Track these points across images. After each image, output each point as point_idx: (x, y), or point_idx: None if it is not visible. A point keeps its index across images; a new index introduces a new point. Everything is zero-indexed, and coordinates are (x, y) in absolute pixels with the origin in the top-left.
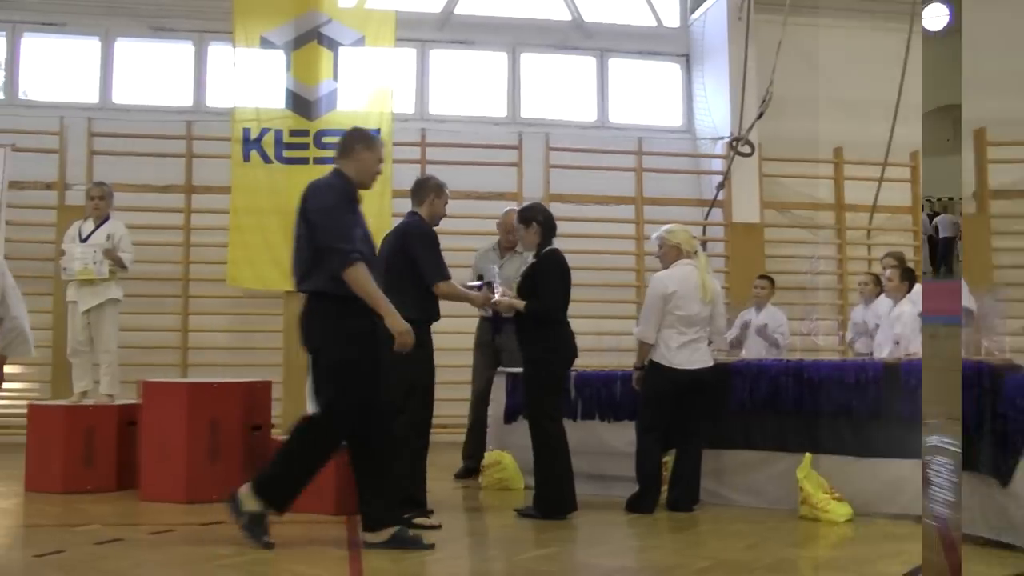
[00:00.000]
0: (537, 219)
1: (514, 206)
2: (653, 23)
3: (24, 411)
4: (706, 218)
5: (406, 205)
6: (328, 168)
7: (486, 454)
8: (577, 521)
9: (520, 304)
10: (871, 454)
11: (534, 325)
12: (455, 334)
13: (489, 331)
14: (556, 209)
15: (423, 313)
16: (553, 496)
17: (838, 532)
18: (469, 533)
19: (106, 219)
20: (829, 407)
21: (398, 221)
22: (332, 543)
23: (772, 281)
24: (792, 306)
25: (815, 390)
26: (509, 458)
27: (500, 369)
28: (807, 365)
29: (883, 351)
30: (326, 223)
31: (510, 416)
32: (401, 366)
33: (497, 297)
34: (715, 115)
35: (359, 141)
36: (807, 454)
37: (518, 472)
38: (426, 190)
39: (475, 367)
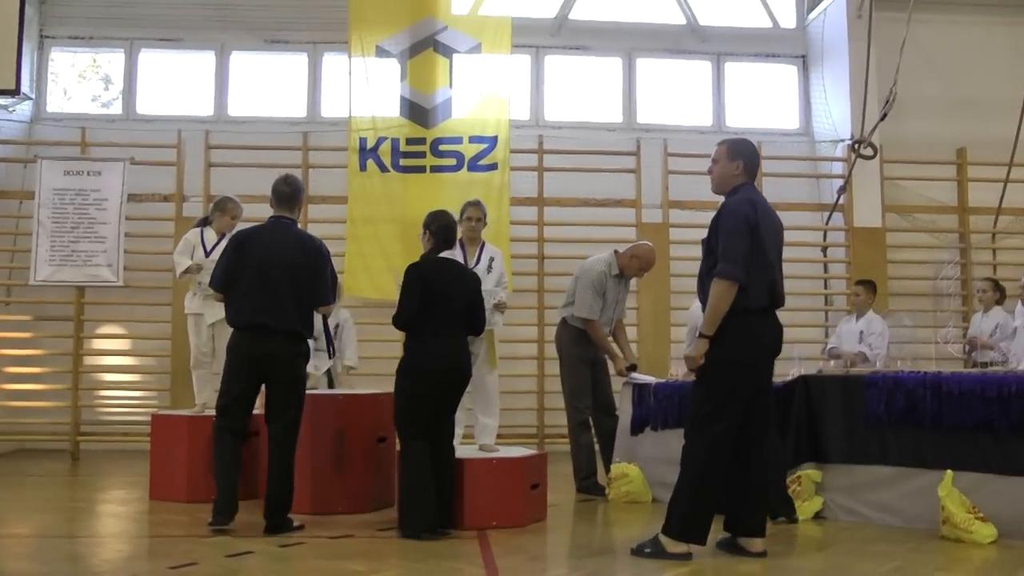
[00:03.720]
0: (430, 227)
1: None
2: (769, 24)
3: (144, 419)
4: (827, 223)
5: (523, 212)
6: (444, 177)
7: (613, 466)
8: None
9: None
10: (1016, 472)
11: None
12: None
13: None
14: (675, 216)
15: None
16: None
17: (983, 555)
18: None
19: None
20: (970, 422)
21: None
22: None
23: (872, 286)
24: (918, 313)
25: (955, 404)
26: (636, 470)
27: (626, 380)
28: (945, 378)
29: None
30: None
31: (637, 427)
32: None
33: None
34: (834, 117)
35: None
36: (948, 471)
37: (646, 485)
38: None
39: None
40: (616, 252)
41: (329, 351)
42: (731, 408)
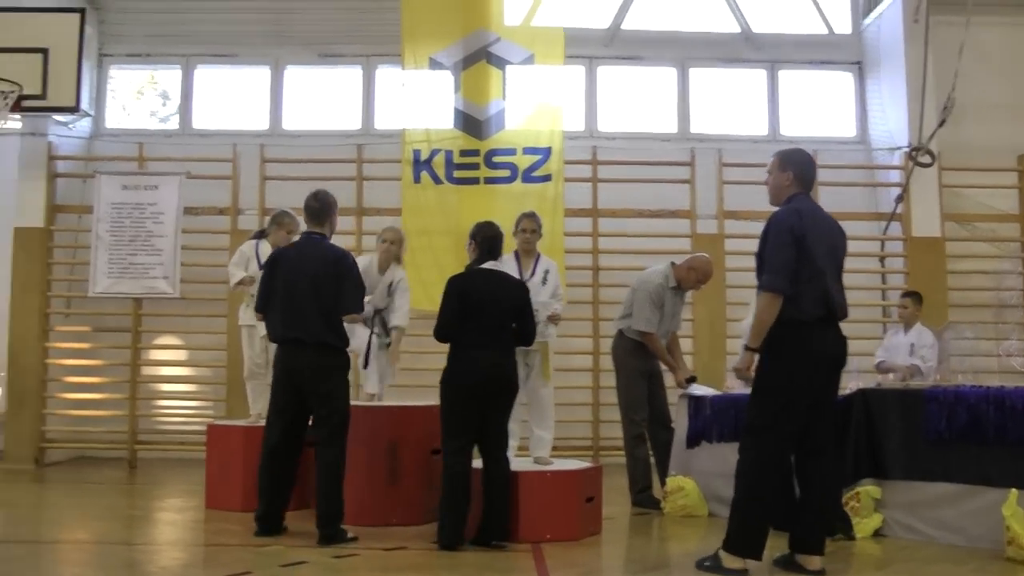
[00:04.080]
0: (475, 238)
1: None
2: (824, 31)
3: (200, 428)
4: (884, 232)
5: (577, 224)
6: (498, 188)
7: (668, 479)
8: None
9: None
10: None
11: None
12: None
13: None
14: (731, 226)
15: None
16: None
17: None
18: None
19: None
20: None
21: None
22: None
23: (919, 298)
24: (978, 325)
25: (1019, 419)
26: (692, 484)
27: (683, 392)
28: (1009, 392)
29: None
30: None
31: (693, 440)
32: None
33: None
34: (891, 124)
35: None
36: (1013, 490)
37: (702, 499)
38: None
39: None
40: (673, 264)
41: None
42: (784, 421)
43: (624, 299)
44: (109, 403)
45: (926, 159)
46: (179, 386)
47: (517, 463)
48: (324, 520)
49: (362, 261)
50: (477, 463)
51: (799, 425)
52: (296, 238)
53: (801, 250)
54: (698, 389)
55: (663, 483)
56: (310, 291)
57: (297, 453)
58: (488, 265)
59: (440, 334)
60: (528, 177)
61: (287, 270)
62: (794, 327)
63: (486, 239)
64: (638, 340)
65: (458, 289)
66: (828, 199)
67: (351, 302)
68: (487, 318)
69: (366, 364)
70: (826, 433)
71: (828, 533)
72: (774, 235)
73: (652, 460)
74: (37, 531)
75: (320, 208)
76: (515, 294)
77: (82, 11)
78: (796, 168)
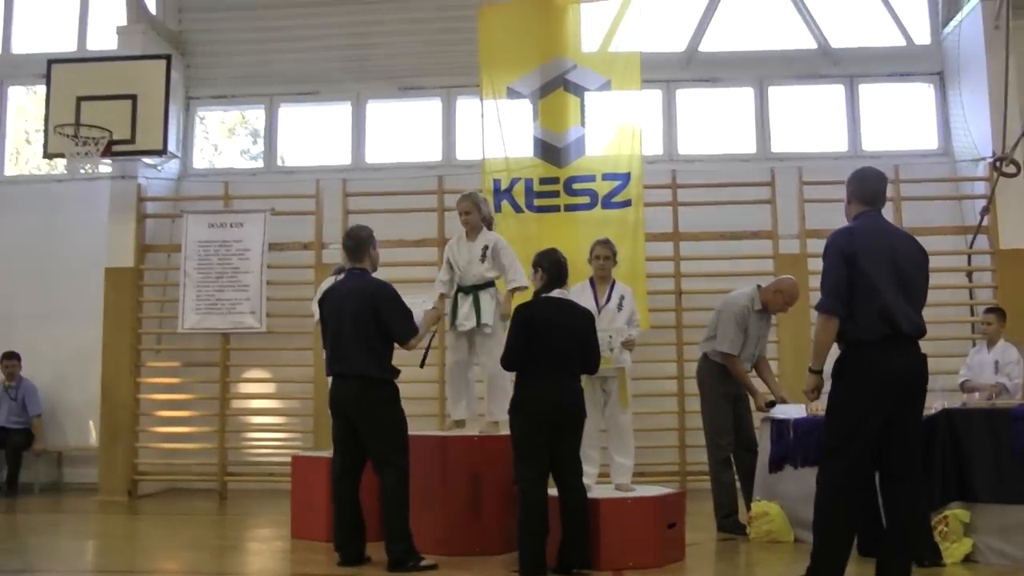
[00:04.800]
0: (541, 265)
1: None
2: (903, 42)
3: (288, 459)
4: (970, 246)
5: (659, 248)
6: (579, 215)
7: (753, 504)
8: None
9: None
10: None
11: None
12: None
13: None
14: (813, 245)
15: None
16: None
17: None
18: None
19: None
20: None
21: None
22: None
23: (1002, 314)
24: None
25: None
26: (777, 509)
27: (765, 416)
28: None
29: None
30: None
31: (776, 464)
32: None
33: None
34: (975, 134)
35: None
36: None
37: (787, 524)
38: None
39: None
40: (759, 287)
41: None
42: (853, 444)
43: (709, 322)
44: (199, 436)
45: (1011, 169)
46: (267, 418)
47: (598, 490)
48: (389, 542)
49: (449, 243)
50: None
51: (870, 448)
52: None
53: (853, 269)
54: (781, 412)
55: (748, 508)
56: (351, 326)
57: (357, 482)
58: (555, 293)
59: (507, 363)
60: (608, 203)
61: (331, 307)
62: (856, 347)
63: (553, 265)
64: (723, 363)
65: (525, 318)
66: (912, 214)
67: (402, 329)
68: (553, 346)
69: (423, 364)
70: (907, 457)
71: (916, 560)
72: (826, 257)
73: (739, 485)
74: (131, 562)
75: (355, 245)
76: (581, 322)
77: (168, 57)
78: (853, 187)
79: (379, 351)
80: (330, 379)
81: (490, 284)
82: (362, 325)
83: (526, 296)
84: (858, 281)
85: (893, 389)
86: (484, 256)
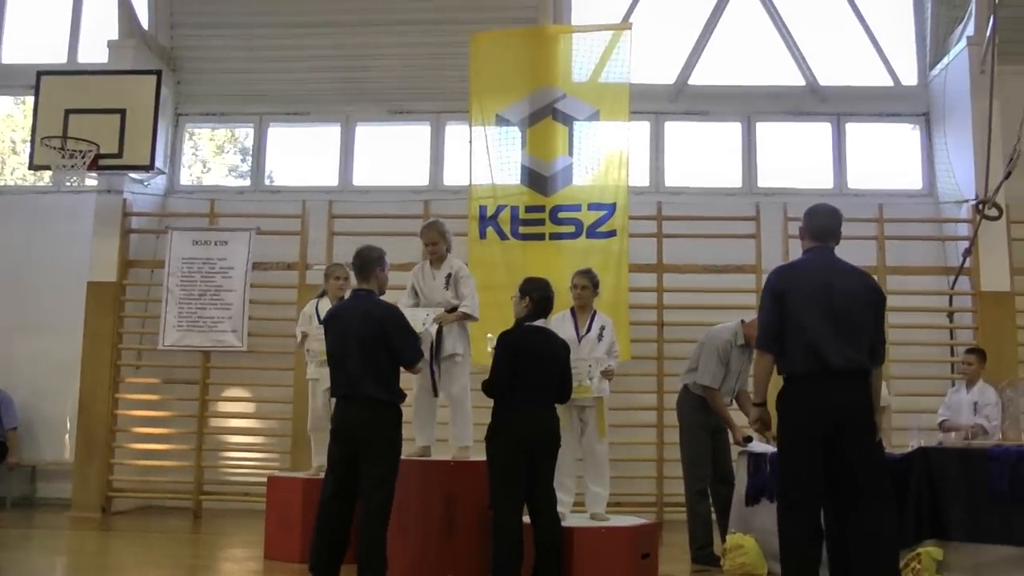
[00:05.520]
0: (531, 295)
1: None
2: (890, 83)
3: (264, 480)
4: (952, 287)
5: (642, 279)
6: (564, 244)
7: (728, 537)
8: None
9: None
10: None
11: None
12: None
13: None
14: None
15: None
16: None
17: None
18: None
19: (342, 299)
20: None
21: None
22: None
23: (983, 355)
24: None
25: None
26: (752, 542)
27: (742, 449)
28: None
29: None
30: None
31: (752, 497)
32: None
33: None
34: (959, 176)
35: (377, 263)
36: None
37: (761, 557)
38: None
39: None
40: (743, 322)
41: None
42: (802, 490)
43: (691, 354)
44: (176, 454)
45: (993, 212)
46: (245, 438)
47: (573, 519)
48: (362, 565)
49: (414, 271)
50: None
51: (817, 490)
52: (344, 288)
53: (782, 306)
54: (758, 446)
55: (723, 540)
56: (357, 349)
57: (350, 508)
58: (538, 323)
59: (492, 388)
60: (593, 233)
61: (336, 328)
62: (789, 381)
63: (543, 298)
64: (703, 395)
65: (512, 345)
66: (895, 253)
67: (409, 354)
68: (535, 374)
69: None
70: (855, 494)
71: None
72: (762, 296)
73: (714, 517)
74: None
75: (362, 265)
76: (562, 353)
77: (158, 73)
78: (804, 222)
79: (387, 375)
80: (333, 401)
81: (452, 310)
82: (371, 348)
83: (504, 322)
84: (787, 317)
85: (822, 422)
86: (448, 284)
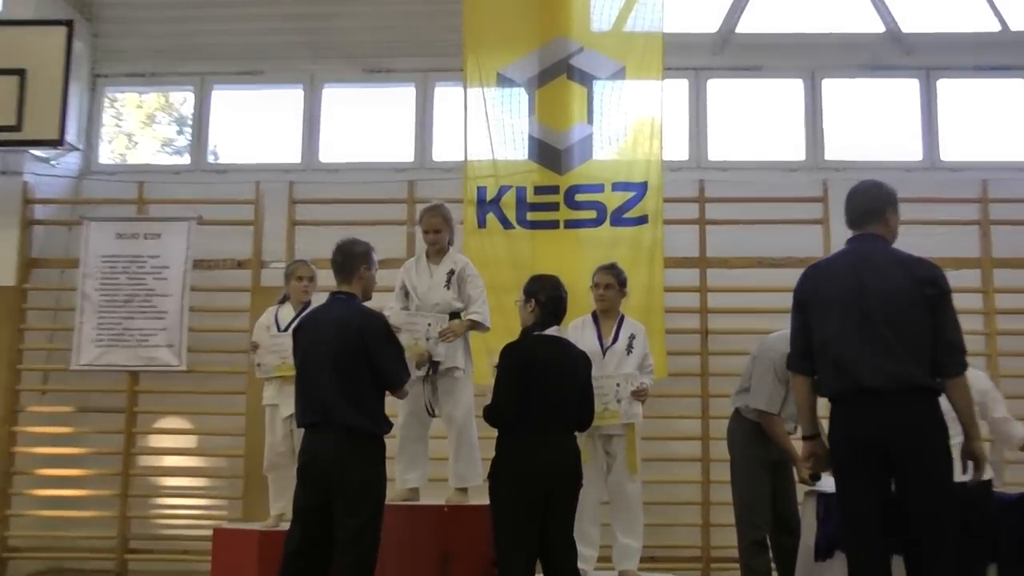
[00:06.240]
0: (537, 297)
1: None
2: (996, 27)
3: (208, 533)
4: None
5: (682, 276)
6: (583, 233)
7: None
8: None
9: None
10: None
11: None
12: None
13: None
14: None
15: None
16: None
17: None
18: None
19: (307, 305)
20: None
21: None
22: None
23: None
24: None
25: None
26: None
27: (810, 488)
28: None
29: None
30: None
31: (824, 550)
32: None
33: None
34: None
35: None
36: None
37: None
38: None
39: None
40: None
41: None
42: (848, 523)
43: (743, 370)
44: (94, 501)
45: None
46: (184, 480)
47: None
48: None
49: (405, 265)
50: None
51: (866, 531)
52: (308, 290)
53: (805, 315)
54: (830, 485)
55: None
56: (331, 365)
57: (321, 567)
58: (551, 331)
59: (495, 416)
60: (619, 219)
61: (306, 341)
62: (832, 406)
63: (552, 299)
64: (759, 422)
65: (519, 362)
66: (1004, 241)
67: (395, 375)
68: (548, 396)
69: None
70: (913, 542)
71: None
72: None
73: (775, 574)
74: None
75: (343, 262)
76: (581, 369)
77: (69, 23)
78: (847, 204)
79: (369, 399)
80: (301, 432)
81: (455, 316)
82: (348, 366)
83: (509, 333)
84: (811, 331)
85: (864, 455)
86: (449, 282)
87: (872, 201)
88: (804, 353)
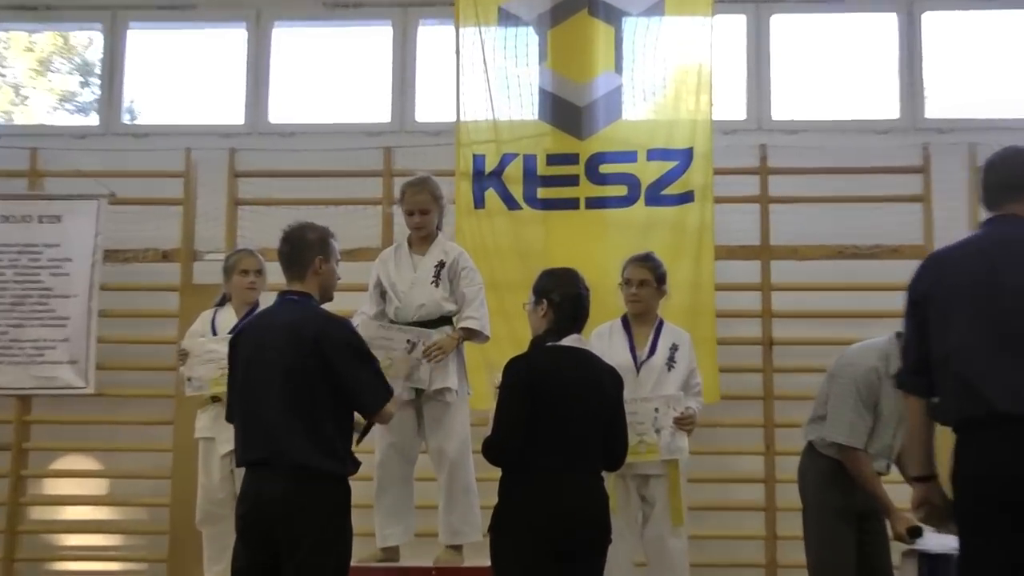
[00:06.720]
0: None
1: None
2: None
3: None
4: None
5: (738, 270)
6: (609, 215)
7: None
8: None
9: None
10: None
11: None
12: None
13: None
14: None
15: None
16: None
17: None
18: None
19: (255, 307)
20: None
21: None
22: None
23: None
24: None
25: None
26: None
27: (910, 547)
28: None
29: None
30: None
31: None
32: None
33: None
34: None
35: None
36: None
37: None
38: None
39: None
40: (899, 335)
41: None
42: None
43: (817, 392)
44: None
45: None
46: (90, 538)
47: None
48: None
49: (381, 256)
50: None
51: None
52: (255, 286)
53: (922, 318)
54: (934, 542)
55: None
56: (279, 386)
57: None
58: (569, 341)
59: (497, 451)
60: (656, 197)
61: (247, 354)
62: (956, 435)
63: (568, 298)
64: (839, 459)
65: (528, 380)
66: None
67: (369, 394)
68: (571, 427)
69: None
70: None
71: None
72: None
73: None
74: None
75: (292, 253)
76: (609, 389)
77: None
78: (982, 178)
79: (329, 429)
80: (241, 472)
81: (445, 322)
82: (301, 387)
83: (516, 343)
84: (931, 337)
85: (997, 502)
86: (437, 278)
87: (1014, 173)
88: (919, 367)
